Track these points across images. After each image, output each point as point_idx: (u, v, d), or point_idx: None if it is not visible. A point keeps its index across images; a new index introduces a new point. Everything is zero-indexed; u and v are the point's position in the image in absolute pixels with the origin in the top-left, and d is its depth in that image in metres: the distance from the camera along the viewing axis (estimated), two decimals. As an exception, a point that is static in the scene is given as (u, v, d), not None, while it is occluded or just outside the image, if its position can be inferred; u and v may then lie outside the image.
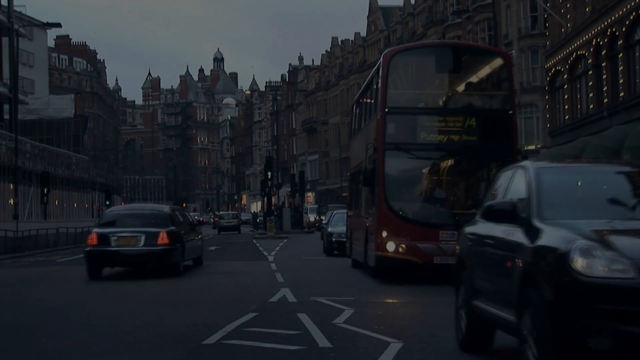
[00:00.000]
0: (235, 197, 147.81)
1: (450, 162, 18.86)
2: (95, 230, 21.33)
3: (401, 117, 18.78)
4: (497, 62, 19.49)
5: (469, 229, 9.34)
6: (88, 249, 20.75)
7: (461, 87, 19.77)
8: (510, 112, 18.67)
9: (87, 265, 20.85)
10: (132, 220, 21.44)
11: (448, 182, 18.88)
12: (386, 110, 18.46)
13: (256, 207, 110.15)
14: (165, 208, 23.65)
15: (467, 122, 18.43)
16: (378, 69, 19.51)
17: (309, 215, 65.98)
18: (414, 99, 19.81)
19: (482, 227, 8.69)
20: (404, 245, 17.63)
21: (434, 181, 18.79)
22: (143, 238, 20.49)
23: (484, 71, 19.84)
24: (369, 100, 21.42)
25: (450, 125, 18.52)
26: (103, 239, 20.55)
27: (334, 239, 29.32)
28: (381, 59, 19.22)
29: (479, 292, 8.63)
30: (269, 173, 58.85)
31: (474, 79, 19.89)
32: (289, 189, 70.76)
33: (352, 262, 23.21)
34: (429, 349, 9.66)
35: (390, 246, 17.72)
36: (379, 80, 19.02)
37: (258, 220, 69.37)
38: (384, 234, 17.83)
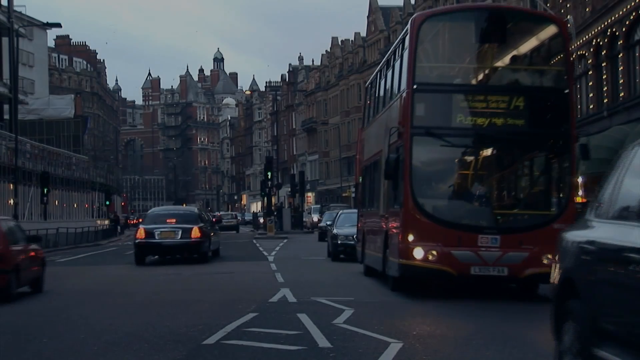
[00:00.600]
0: (235, 197, 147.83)
1: (492, 151, 15.81)
2: (142, 226, 26.54)
3: (432, 96, 15.66)
4: (550, 30, 16.00)
5: (579, 234, 6.54)
6: (137, 241, 25.96)
7: (506, 61, 16.44)
8: (566, 92, 15.37)
9: (136, 254, 26.08)
10: (170, 218, 26.75)
11: (489, 175, 15.75)
12: (414, 87, 15.28)
13: (256, 207, 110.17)
14: (195, 209, 30.45)
15: (513, 103, 15.19)
16: (403, 39, 16.43)
17: (312, 215, 65.83)
18: (449, 74, 16.79)
19: (613, 232, 5.93)
20: (434, 252, 14.58)
21: (472, 174, 15.57)
22: (180, 232, 25.70)
23: (534, 41, 16.49)
24: (390, 78, 18.22)
25: (492, 106, 15.22)
26: (149, 233, 25.80)
27: (339, 242, 26.59)
28: (409, 25, 15.97)
29: (609, 336, 5.82)
30: (269, 173, 58.87)
31: (521, 50, 16.55)
32: (289, 189, 70.75)
33: (365, 269, 20.30)
34: (429, 349, 9.66)
35: (418, 253, 14.66)
36: (406, 52, 15.90)
37: (261, 220, 69.60)
38: (411, 237, 14.75)
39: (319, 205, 74.75)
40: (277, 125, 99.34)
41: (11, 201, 42.75)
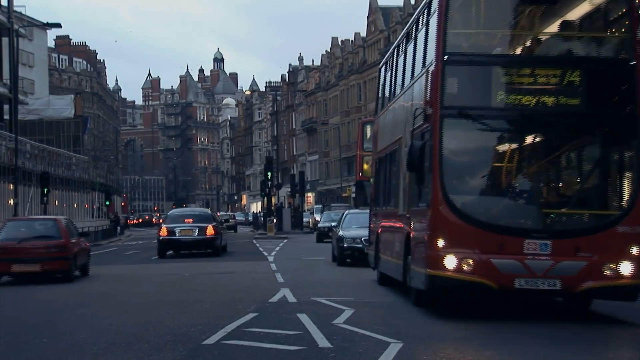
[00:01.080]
0: (235, 198, 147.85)
1: (540, 136, 12.98)
2: (164, 225, 30.99)
3: (467, 69, 13.00)
4: None
5: None
6: (161, 238, 30.46)
7: (557, 26, 13.56)
8: (631, 64, 12.61)
9: (159, 249, 30.51)
10: (187, 218, 31.29)
11: (537, 166, 12.99)
12: (445, 58, 12.63)
13: (256, 207, 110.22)
14: (208, 210, 36.17)
15: (567, 78, 12.55)
16: (430, 1, 13.72)
17: (314, 214, 65.80)
18: (487, 42, 13.95)
19: None
20: (470, 261, 12.08)
21: (516, 165, 12.80)
22: (197, 230, 30.08)
23: (592, 2, 13.53)
24: (412, 52, 15.21)
25: (541, 81, 12.59)
26: (170, 231, 30.22)
27: (346, 245, 24.46)
28: None
29: None
30: (269, 173, 58.85)
31: (576, 13, 13.67)
32: (289, 189, 70.75)
33: (379, 276, 17.91)
34: (429, 349, 9.67)
35: (450, 261, 12.13)
36: (433, 17, 13.22)
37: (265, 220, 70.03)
38: (441, 242, 12.21)
39: (321, 205, 74.74)
40: (277, 126, 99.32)
41: (11, 201, 42.74)
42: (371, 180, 20.31)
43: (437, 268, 12.23)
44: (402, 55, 16.46)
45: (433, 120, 12.63)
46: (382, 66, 19.72)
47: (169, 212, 37.04)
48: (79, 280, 20.78)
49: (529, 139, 13.05)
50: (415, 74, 14.57)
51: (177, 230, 30.26)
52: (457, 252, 12.17)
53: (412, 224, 13.88)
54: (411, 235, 13.81)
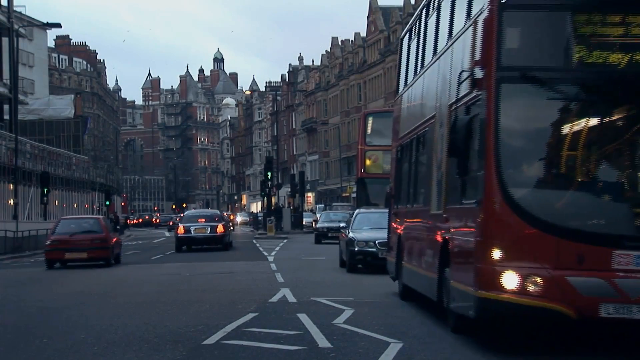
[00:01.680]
0: (235, 198, 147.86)
1: (632, 108, 9.44)
2: (181, 224, 35.90)
3: (533, 17, 9.68)
4: None
5: None
6: (178, 235, 35.23)
7: None
8: None
9: (176, 244, 35.33)
10: (200, 218, 36.31)
11: (628, 150, 9.46)
12: (502, 1, 9.42)
13: (256, 207, 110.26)
14: (218, 211, 43.93)
15: None
16: None
17: (317, 214, 65.76)
18: None
19: None
20: (538, 279, 8.99)
21: (599, 148, 9.42)
22: (209, 228, 34.87)
23: None
24: (450, 6, 11.90)
25: (634, 33, 9.26)
26: (186, 229, 34.94)
27: (357, 249, 21.35)
28: None
29: None
30: (269, 173, 58.87)
31: None
32: (289, 189, 70.76)
33: (402, 290, 14.82)
34: (429, 349, 9.67)
35: (510, 280, 9.05)
36: None
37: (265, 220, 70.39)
38: (497, 253, 9.14)
39: (323, 205, 74.64)
40: (277, 125, 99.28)
41: (11, 201, 42.78)
42: (391, 180, 17.23)
43: (492, 288, 9.13)
44: (434, 14, 13.11)
45: (486, 86, 9.48)
46: (404, 36, 16.36)
47: (184, 213, 43.77)
48: (115, 266, 26.44)
49: (617, 112, 9.60)
50: (456, 32, 11.38)
51: (192, 228, 34.90)
52: (519, 267, 9.07)
53: (451, 226, 10.84)
54: (450, 242, 10.76)
